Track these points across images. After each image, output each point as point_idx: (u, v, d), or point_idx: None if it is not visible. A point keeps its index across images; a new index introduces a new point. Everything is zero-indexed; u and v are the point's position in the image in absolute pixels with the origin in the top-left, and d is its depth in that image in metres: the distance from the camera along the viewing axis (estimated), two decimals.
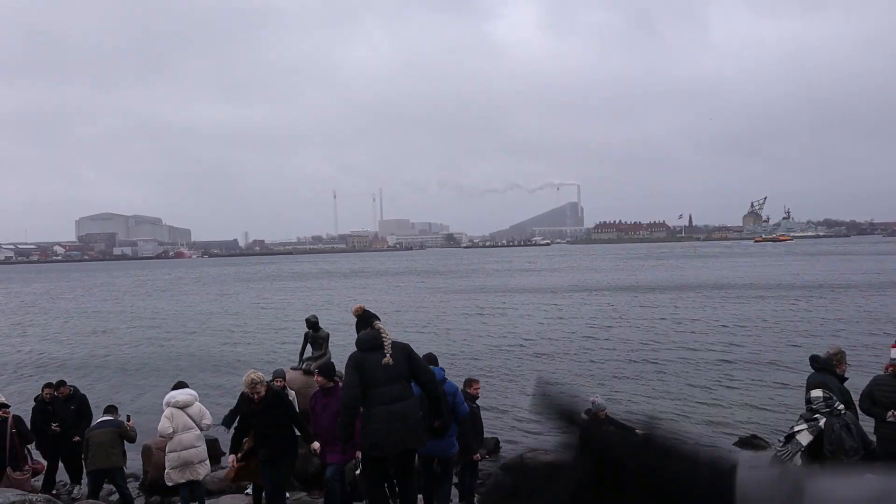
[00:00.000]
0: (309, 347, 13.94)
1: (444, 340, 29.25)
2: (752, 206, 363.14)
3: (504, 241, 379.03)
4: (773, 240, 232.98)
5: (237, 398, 9.24)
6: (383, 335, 6.55)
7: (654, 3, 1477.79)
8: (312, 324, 13.74)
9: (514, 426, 16.76)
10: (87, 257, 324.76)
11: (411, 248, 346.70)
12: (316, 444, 8.26)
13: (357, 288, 69.17)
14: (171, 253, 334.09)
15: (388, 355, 6.39)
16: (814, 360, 8.00)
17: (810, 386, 7.53)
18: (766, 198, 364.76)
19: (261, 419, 8.01)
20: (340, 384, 7.83)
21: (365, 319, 6.80)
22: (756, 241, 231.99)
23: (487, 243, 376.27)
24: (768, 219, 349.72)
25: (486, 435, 15.19)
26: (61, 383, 12.12)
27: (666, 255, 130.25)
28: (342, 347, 12.55)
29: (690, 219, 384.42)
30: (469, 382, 9.81)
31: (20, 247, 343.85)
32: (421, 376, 6.58)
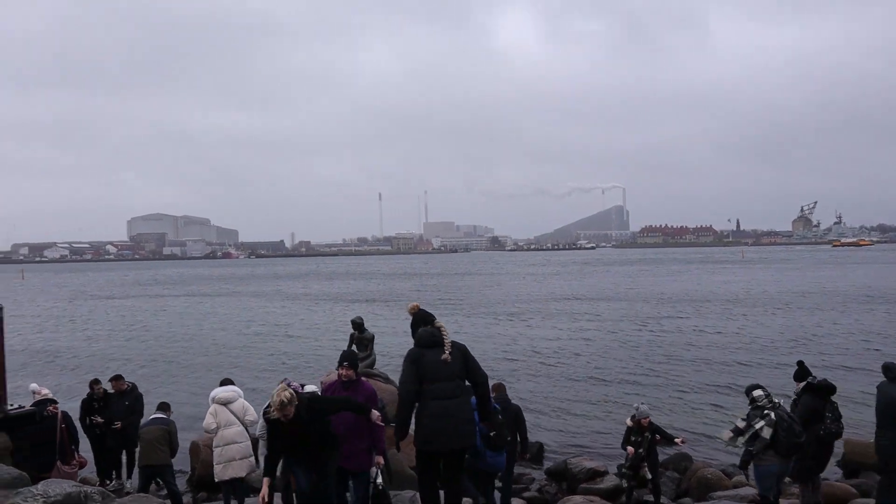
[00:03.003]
0: (354, 348, 14.00)
1: (482, 344, 29.14)
2: (802, 210, 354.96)
3: (549, 245, 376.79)
4: (855, 244, 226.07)
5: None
6: (443, 333, 6.64)
7: (648, 12, 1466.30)
8: (358, 325, 13.82)
9: (559, 431, 16.58)
10: (137, 256, 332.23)
11: (456, 251, 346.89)
12: (375, 413, 7.00)
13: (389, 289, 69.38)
14: (219, 253, 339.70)
15: (447, 352, 6.49)
16: (887, 369, 8.31)
17: (882, 396, 8.24)
18: (816, 202, 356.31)
19: (295, 440, 6.72)
20: (363, 379, 7.66)
21: (422, 318, 6.91)
22: (834, 246, 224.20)
23: (532, 246, 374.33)
24: (819, 223, 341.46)
25: (531, 440, 15.12)
26: (118, 378, 12.29)
27: (764, 260, 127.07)
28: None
29: (738, 223, 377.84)
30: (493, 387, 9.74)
31: (74, 245, 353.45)
32: (474, 377, 6.64)
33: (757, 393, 8.33)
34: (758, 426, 8.07)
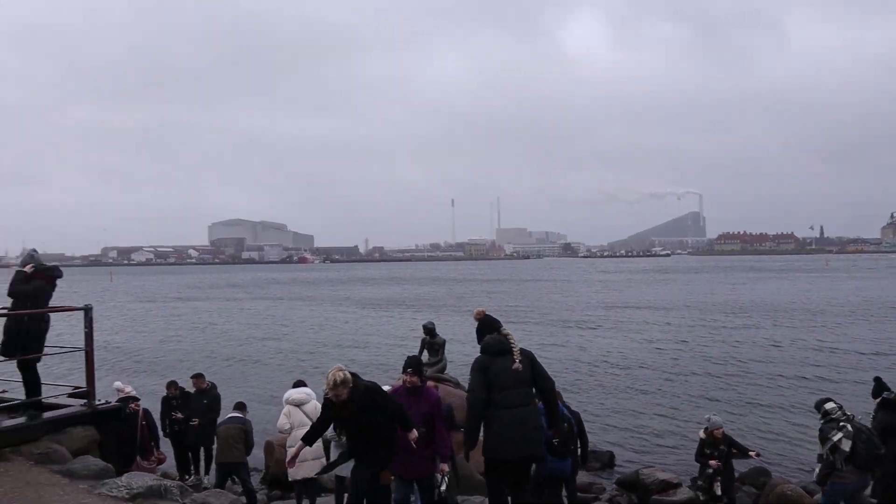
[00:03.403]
0: (425, 353, 14.12)
1: (550, 352, 28.91)
2: (893, 216, 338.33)
3: (622, 252, 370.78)
4: None
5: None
6: (511, 340, 6.60)
7: (720, 14, 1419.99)
8: (430, 330, 13.94)
9: (629, 441, 16.30)
10: (217, 260, 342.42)
11: (528, 257, 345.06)
12: (414, 433, 6.59)
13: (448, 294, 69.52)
14: (294, 258, 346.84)
15: (517, 361, 6.45)
16: None
17: None
18: None
19: (352, 426, 6.57)
20: (429, 386, 7.49)
21: (489, 324, 6.91)
22: None
23: (605, 253, 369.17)
24: None
25: (601, 449, 14.95)
26: (199, 376, 12.64)
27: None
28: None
29: (822, 230, 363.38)
30: None
31: (159, 249, 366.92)
32: (542, 384, 6.61)
33: (830, 406, 8.14)
34: (836, 438, 7.82)
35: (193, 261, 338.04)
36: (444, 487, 7.12)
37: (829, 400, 8.34)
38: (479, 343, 6.90)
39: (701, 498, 10.33)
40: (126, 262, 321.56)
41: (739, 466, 11.76)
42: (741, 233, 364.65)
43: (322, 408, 6.75)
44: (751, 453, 10.46)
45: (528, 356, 6.57)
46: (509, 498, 6.76)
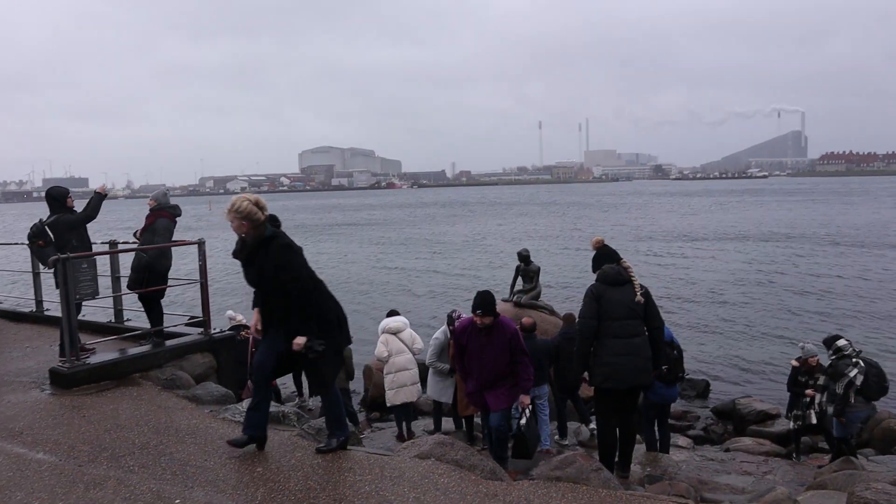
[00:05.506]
0: (520, 280, 14.23)
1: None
2: None
3: (716, 174, 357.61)
4: None
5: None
6: (631, 272, 6.65)
7: None
8: (524, 257, 13.96)
9: (727, 369, 16.14)
10: (308, 188, 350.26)
11: (618, 180, 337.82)
12: (300, 340, 5.29)
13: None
14: (383, 183, 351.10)
15: (638, 294, 6.51)
16: None
17: None
18: None
19: (250, 273, 5.45)
20: (503, 319, 6.80)
21: (607, 253, 6.89)
22: None
23: (698, 175, 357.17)
24: None
25: (696, 377, 14.88)
26: None
27: None
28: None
29: None
30: None
31: (252, 178, 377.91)
32: (653, 321, 6.61)
33: (842, 342, 8.80)
34: (852, 374, 8.55)
35: (285, 188, 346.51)
36: (523, 421, 6.93)
37: (839, 337, 8.98)
38: (594, 271, 6.88)
39: (792, 426, 10.16)
40: (222, 191, 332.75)
41: None
42: (847, 153, 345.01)
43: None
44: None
45: (644, 290, 6.60)
46: (618, 426, 6.86)
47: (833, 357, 8.84)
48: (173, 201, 8.89)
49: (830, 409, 8.96)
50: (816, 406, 9.51)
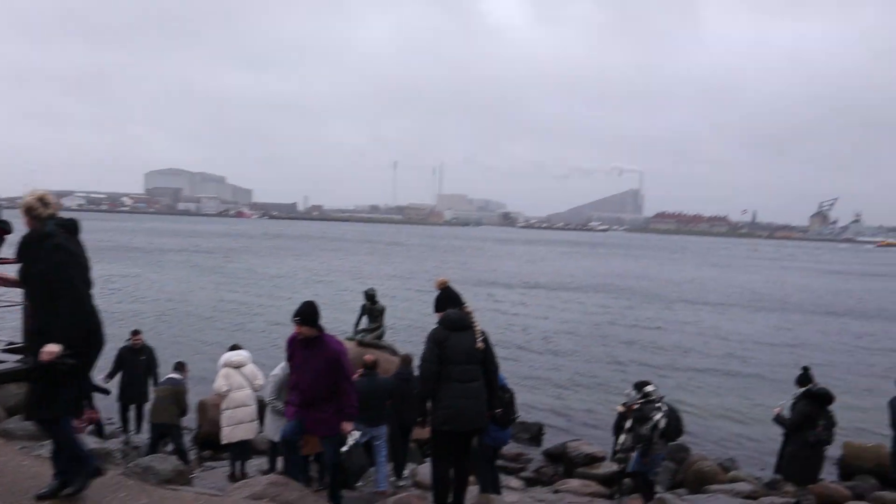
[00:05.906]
0: (364, 319, 14.24)
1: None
2: (821, 206, 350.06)
3: (561, 224, 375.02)
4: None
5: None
6: (473, 317, 6.74)
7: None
8: (370, 296, 14.03)
9: (558, 415, 16.86)
10: (152, 210, 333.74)
11: (468, 224, 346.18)
12: (52, 348, 4.65)
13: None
14: (232, 212, 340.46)
15: (479, 340, 6.60)
16: None
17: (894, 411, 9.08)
18: (836, 199, 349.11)
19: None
20: (327, 336, 6.70)
21: (450, 296, 6.99)
22: (879, 245, 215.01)
23: (544, 225, 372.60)
24: (836, 221, 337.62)
25: (530, 420, 15.41)
26: (136, 332, 12.43)
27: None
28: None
29: (754, 215, 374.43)
30: None
31: (91, 195, 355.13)
32: (490, 365, 6.75)
33: (650, 388, 9.26)
34: (657, 418, 8.97)
35: (127, 209, 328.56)
36: (344, 448, 6.61)
37: (648, 383, 9.43)
38: (436, 311, 6.95)
39: (615, 468, 10.77)
40: None
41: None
42: (677, 213, 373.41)
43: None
44: None
45: (483, 335, 6.72)
46: (453, 468, 6.95)
47: (641, 401, 9.31)
48: (5, 215, 8.23)
49: (635, 453, 9.42)
50: (618, 445, 10.17)
